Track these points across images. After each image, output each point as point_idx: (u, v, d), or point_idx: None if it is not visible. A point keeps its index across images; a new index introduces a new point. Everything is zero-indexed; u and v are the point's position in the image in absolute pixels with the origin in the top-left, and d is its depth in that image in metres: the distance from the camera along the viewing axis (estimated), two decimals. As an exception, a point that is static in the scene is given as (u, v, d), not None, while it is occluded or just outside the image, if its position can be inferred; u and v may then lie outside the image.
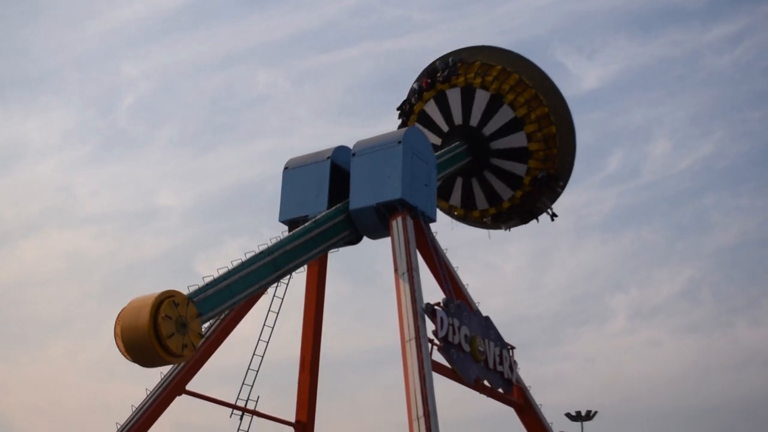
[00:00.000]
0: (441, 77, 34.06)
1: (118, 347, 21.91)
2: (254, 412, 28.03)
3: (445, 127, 33.96)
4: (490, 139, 33.38)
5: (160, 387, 26.70)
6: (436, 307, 25.09)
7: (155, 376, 26.93)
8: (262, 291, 26.49)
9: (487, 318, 27.45)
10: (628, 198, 75.83)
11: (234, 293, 24.01)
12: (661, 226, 74.60)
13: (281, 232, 29.77)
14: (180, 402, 27.20)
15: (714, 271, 72.81)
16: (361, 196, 28.36)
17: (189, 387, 27.17)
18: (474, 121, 33.60)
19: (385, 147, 28.63)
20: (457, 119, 33.88)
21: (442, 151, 32.51)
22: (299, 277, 30.17)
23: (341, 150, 29.61)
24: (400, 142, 28.48)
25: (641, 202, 75.56)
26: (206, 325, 27.61)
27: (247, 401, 27.92)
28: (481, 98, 33.43)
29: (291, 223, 29.67)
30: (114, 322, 21.95)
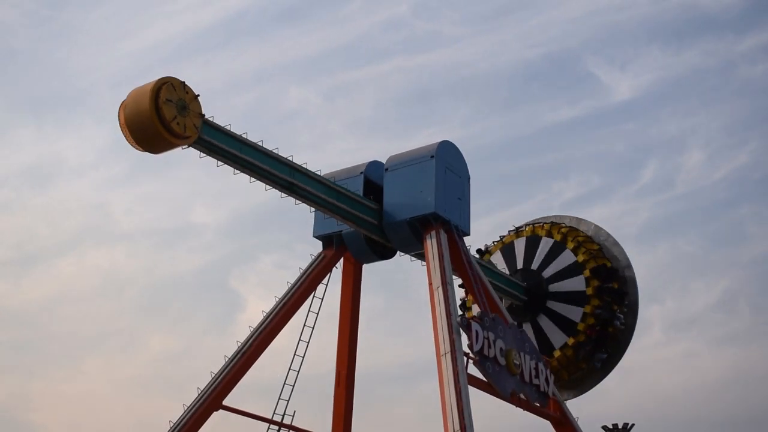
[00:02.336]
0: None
1: (126, 137, 22.97)
2: (291, 427, 28.14)
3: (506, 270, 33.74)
4: (549, 281, 32.85)
5: (197, 402, 26.84)
6: (471, 320, 25.06)
7: (192, 391, 27.13)
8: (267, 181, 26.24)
9: (522, 331, 27.41)
10: (662, 209, 75.33)
11: (241, 152, 24.89)
12: (697, 237, 74.00)
13: (315, 248, 30.06)
14: (217, 417, 27.35)
15: (750, 282, 72.12)
16: (394, 211, 28.45)
17: (226, 402, 27.30)
18: (535, 264, 33.42)
19: (418, 161, 28.71)
20: (519, 264, 33.84)
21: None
22: (334, 292, 30.35)
23: (374, 165, 29.71)
24: (433, 156, 28.55)
25: (676, 213, 75.03)
26: (242, 339, 27.90)
27: (283, 416, 28.05)
28: (545, 244, 33.38)
29: (324, 239, 29.86)
30: (118, 112, 22.99)
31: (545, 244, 32.87)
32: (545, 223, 34.41)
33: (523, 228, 34.80)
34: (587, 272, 32.29)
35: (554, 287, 32.61)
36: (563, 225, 34.20)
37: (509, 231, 35.06)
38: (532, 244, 33.77)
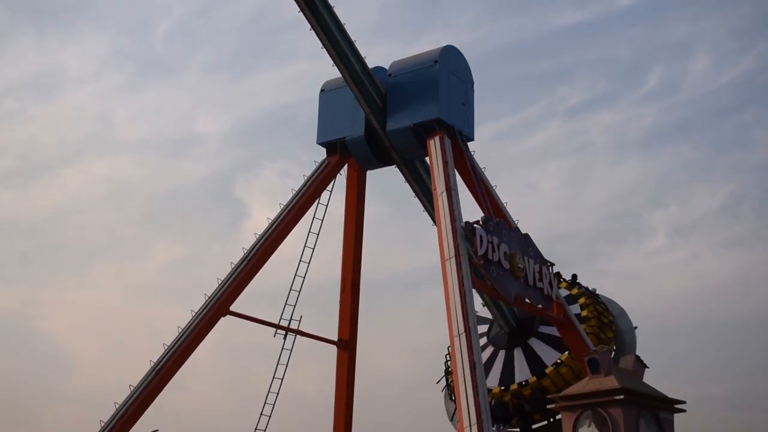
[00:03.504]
0: None
1: None
2: (297, 332, 28.51)
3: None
4: (543, 323, 30.59)
5: (204, 308, 27.16)
6: (475, 225, 25.13)
7: (200, 298, 27.42)
8: None
9: (526, 235, 27.49)
10: (668, 114, 74.81)
11: None
12: (702, 142, 73.64)
13: (319, 155, 30.05)
14: (224, 323, 27.70)
15: (755, 186, 72.05)
16: (397, 117, 28.35)
17: (233, 308, 27.63)
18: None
19: (422, 66, 28.49)
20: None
21: None
22: (338, 200, 30.45)
23: (377, 71, 29.38)
24: (436, 62, 28.34)
25: (681, 118, 74.51)
26: (248, 246, 28.10)
27: (290, 321, 28.41)
28: (561, 292, 30.10)
29: (328, 146, 29.83)
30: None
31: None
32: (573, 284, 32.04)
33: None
34: (585, 326, 29.82)
35: (544, 329, 30.74)
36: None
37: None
38: None
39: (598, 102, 74.36)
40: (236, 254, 28.08)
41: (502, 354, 30.92)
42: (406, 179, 29.66)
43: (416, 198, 29.88)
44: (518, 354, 30.57)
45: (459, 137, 28.20)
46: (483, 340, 29.93)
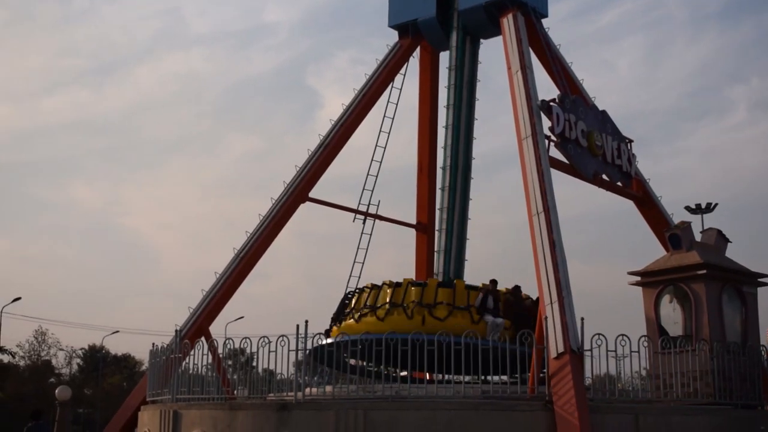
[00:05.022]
0: None
1: None
2: (375, 216, 28.75)
3: None
4: None
5: (284, 195, 27.51)
6: (551, 103, 24.80)
7: (278, 187, 27.74)
8: None
9: (603, 112, 27.06)
10: (748, -17, 72.42)
11: None
12: (784, 11, 71.30)
13: (390, 40, 29.77)
14: (303, 209, 28.04)
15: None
16: (469, -5, 27.93)
17: (312, 194, 27.95)
18: None
19: (493, -58, 27.84)
20: None
21: None
22: (412, 84, 30.26)
23: (448, -52, 28.87)
24: (507, -64, 27.63)
25: (762, -14, 72.08)
26: (323, 133, 28.23)
27: (368, 206, 28.63)
28: None
29: (400, 28, 29.57)
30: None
31: None
32: None
33: None
34: None
35: None
36: None
37: None
38: None
39: (675, -27, 72.06)
40: (312, 142, 28.26)
41: None
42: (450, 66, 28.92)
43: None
44: None
45: (532, 14, 27.68)
46: None
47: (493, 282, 23.72)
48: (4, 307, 57.07)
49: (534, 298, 23.04)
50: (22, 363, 69.23)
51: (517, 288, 24.11)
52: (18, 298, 56.60)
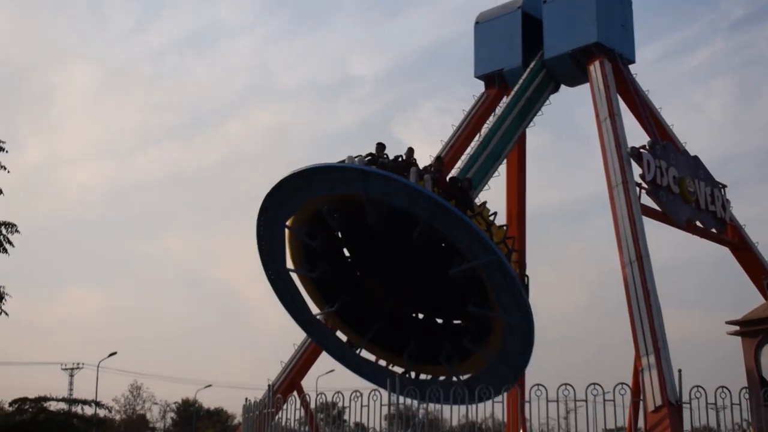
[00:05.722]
0: None
1: None
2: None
3: None
4: None
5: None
6: (641, 150, 24.52)
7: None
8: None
9: (695, 157, 26.65)
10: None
11: None
12: None
13: (476, 89, 29.76)
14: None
15: None
16: (555, 44, 27.80)
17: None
18: None
19: (578, -10, 27.75)
20: None
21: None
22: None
23: (532, -3, 28.88)
24: (593, -16, 27.53)
25: None
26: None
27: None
28: None
29: (486, 78, 29.57)
30: None
31: None
32: None
33: None
34: None
35: None
36: None
37: None
38: None
39: (766, 12, 70.96)
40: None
41: None
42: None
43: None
44: None
45: (620, 60, 27.46)
46: None
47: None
48: (100, 362, 58.10)
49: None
50: (117, 417, 70.29)
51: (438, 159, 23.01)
52: (114, 353, 57.57)
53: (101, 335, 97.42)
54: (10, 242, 18.93)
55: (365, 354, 21.65)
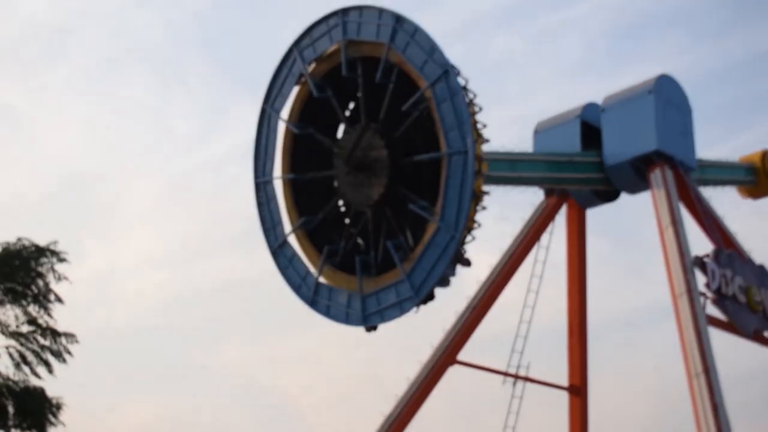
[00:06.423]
0: None
1: None
2: (526, 378, 27.99)
3: None
4: None
5: (432, 358, 27.13)
6: (705, 259, 24.12)
7: (425, 349, 27.43)
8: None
9: (761, 266, 26.13)
10: None
11: None
12: None
13: (534, 197, 29.65)
14: (452, 372, 27.53)
15: None
16: (615, 151, 27.64)
17: (460, 357, 27.47)
18: None
19: (636, 98, 27.72)
20: None
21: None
22: (559, 239, 29.89)
23: (590, 107, 28.87)
24: (651, 92, 27.50)
25: None
26: (470, 294, 27.98)
27: (518, 368, 27.90)
28: None
29: (547, 188, 29.41)
30: None
31: None
32: None
33: None
34: None
35: None
36: None
37: None
38: None
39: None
40: (459, 303, 27.95)
41: None
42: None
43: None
44: None
45: (680, 168, 27.23)
46: None
47: None
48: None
49: None
50: None
51: None
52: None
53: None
54: (69, 352, 19.03)
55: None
